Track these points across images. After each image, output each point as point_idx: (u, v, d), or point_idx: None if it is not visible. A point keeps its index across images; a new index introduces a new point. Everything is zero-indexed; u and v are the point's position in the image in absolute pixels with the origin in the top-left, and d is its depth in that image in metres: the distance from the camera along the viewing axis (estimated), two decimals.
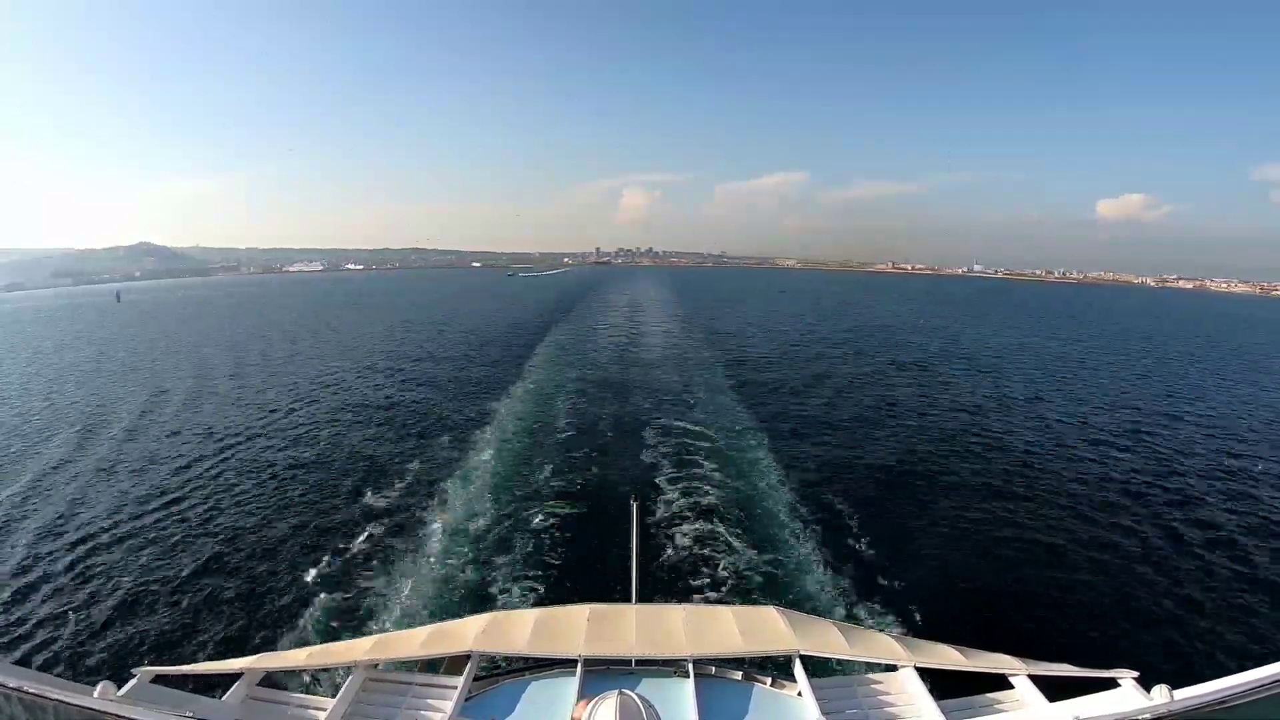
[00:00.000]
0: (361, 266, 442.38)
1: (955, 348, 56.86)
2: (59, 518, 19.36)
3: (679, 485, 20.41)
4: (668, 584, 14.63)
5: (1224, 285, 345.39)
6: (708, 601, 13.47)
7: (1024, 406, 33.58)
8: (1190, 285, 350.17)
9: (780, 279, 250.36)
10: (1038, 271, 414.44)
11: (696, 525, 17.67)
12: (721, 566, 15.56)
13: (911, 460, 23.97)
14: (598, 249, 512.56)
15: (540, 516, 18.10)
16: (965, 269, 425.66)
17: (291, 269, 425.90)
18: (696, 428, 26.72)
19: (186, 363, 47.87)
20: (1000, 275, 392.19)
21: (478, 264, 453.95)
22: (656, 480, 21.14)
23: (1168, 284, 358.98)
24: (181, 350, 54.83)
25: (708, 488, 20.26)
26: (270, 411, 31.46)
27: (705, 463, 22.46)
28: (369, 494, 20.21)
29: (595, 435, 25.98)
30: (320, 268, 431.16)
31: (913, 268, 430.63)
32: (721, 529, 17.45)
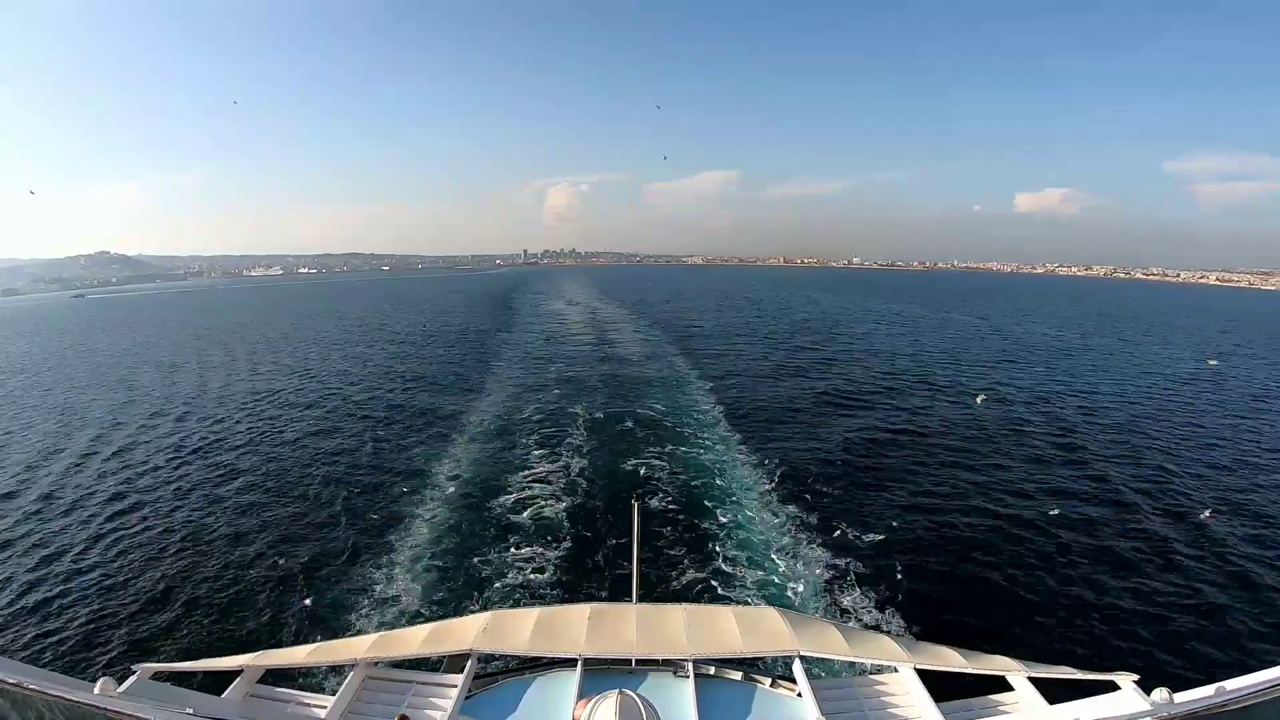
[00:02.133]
0: (315, 270, 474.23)
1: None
2: (68, 507, 20.31)
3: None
4: (668, 584, 14.59)
5: (1070, 270, 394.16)
6: (708, 601, 13.43)
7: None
8: (1041, 270, 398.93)
9: (672, 275, 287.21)
10: (914, 263, 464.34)
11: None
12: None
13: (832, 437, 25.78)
14: (525, 251, 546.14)
15: (541, 516, 18.24)
16: (847, 261, 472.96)
17: (252, 273, 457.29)
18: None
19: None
20: (878, 267, 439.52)
21: (386, 268, 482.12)
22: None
23: (1020, 270, 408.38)
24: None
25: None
26: (277, 408, 32.80)
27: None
28: (367, 493, 20.63)
29: (595, 434, 26.08)
30: (279, 272, 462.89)
31: (801, 261, 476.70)
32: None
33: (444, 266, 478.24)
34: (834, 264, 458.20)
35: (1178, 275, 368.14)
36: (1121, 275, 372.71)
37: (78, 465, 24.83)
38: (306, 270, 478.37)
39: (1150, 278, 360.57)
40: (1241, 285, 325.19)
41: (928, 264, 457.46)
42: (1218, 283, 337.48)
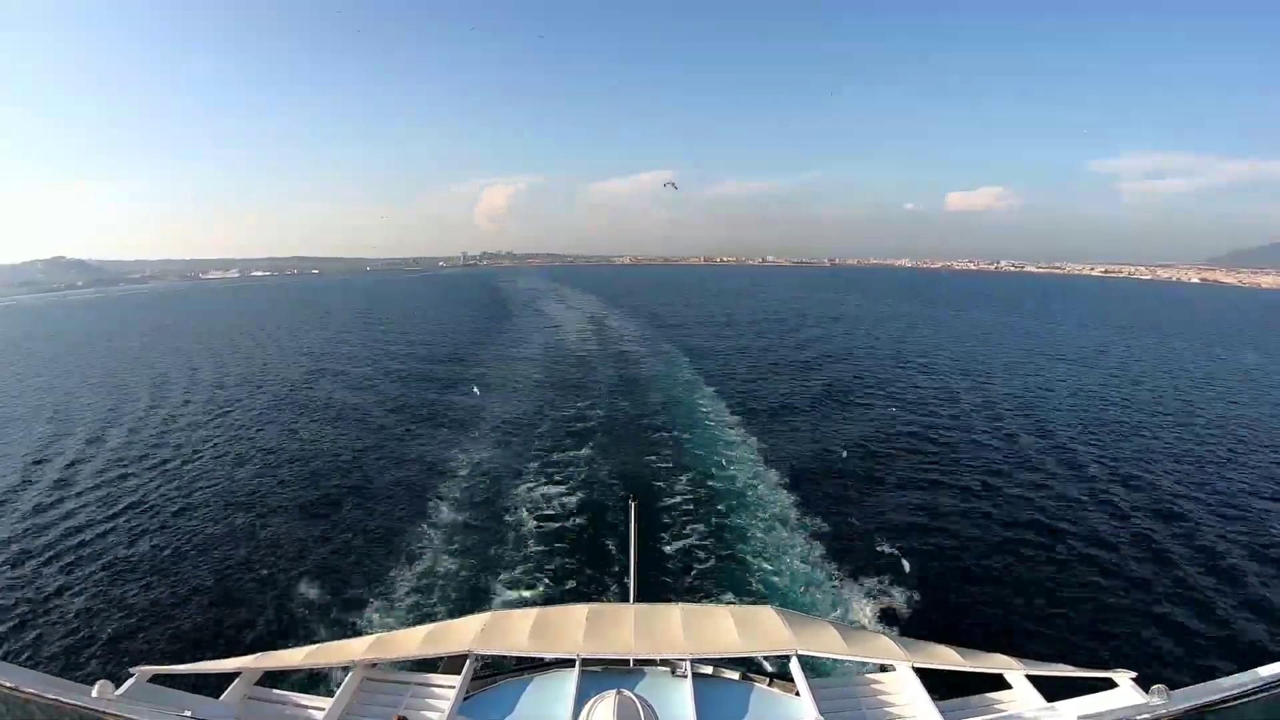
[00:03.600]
0: (268, 273, 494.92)
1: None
2: (68, 504, 20.76)
3: None
4: (666, 583, 14.72)
5: (964, 264, 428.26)
6: (706, 601, 13.45)
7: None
8: (938, 265, 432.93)
9: (602, 272, 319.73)
10: (825, 260, 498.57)
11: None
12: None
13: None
14: (464, 254, 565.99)
15: (540, 515, 18.52)
16: (761, 259, 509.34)
17: (209, 276, 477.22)
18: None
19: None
20: (788, 264, 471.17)
21: (316, 271, 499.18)
22: None
23: (922, 264, 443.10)
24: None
25: None
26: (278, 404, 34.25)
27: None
28: (364, 494, 20.83)
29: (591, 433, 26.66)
30: (237, 274, 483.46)
31: (721, 259, 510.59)
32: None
33: (391, 269, 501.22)
34: (750, 262, 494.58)
35: (1064, 267, 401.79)
36: (1011, 269, 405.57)
37: (70, 463, 25.19)
38: (260, 273, 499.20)
39: (1040, 270, 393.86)
40: (1122, 275, 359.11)
41: (836, 261, 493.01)
42: (1102, 274, 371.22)
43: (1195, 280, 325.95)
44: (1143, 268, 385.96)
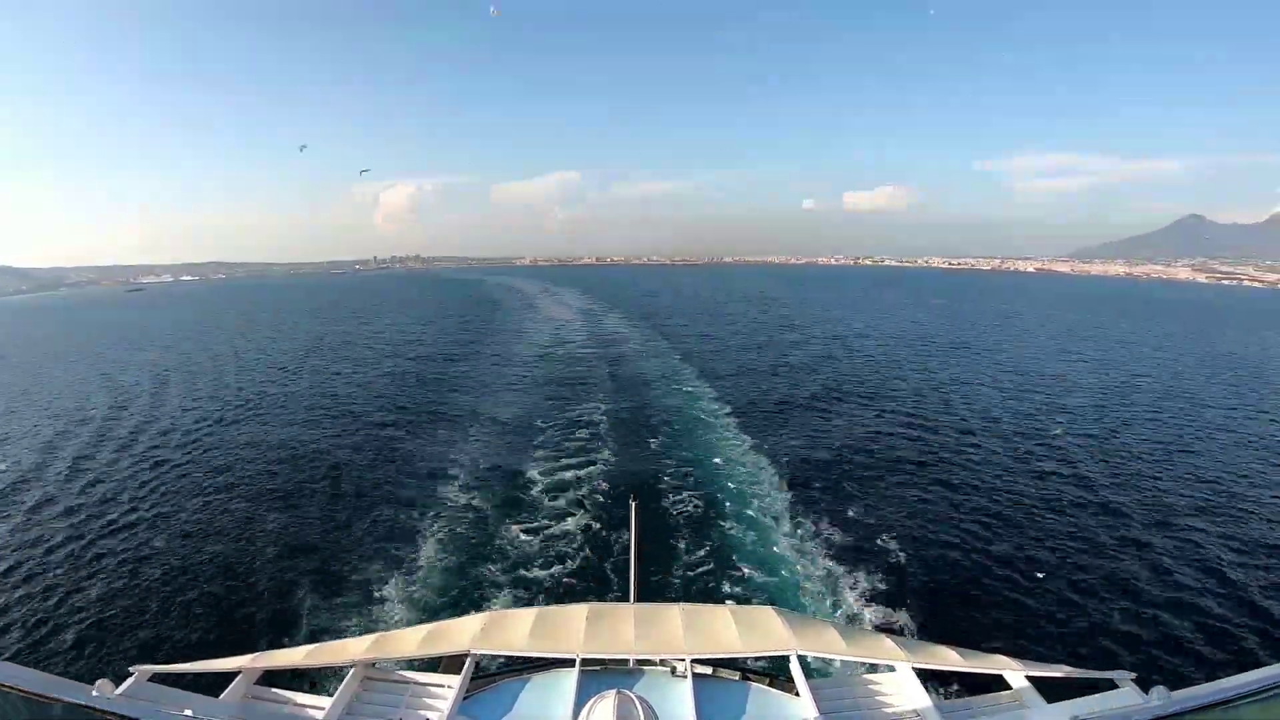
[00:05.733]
0: (197, 278, 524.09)
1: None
2: (66, 502, 21.10)
3: None
4: (667, 582, 14.82)
5: (829, 260, 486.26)
6: (706, 601, 13.22)
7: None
8: (803, 261, 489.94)
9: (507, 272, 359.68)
10: (705, 259, 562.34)
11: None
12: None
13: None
14: (375, 256, 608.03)
15: (540, 514, 18.69)
16: (647, 258, 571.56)
17: (143, 280, 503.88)
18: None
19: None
20: (669, 263, 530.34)
21: (222, 275, 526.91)
22: None
23: (787, 261, 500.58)
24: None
25: None
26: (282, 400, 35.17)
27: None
28: (365, 493, 21.21)
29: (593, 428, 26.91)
30: (170, 279, 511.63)
31: (610, 259, 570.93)
32: None
33: (315, 272, 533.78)
34: (635, 260, 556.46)
35: (915, 261, 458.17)
36: (869, 263, 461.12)
37: (69, 461, 25.96)
38: (189, 278, 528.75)
39: (895, 264, 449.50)
40: (964, 268, 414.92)
41: (715, 259, 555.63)
42: (946, 266, 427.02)
43: (1031, 270, 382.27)
44: (992, 259, 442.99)
